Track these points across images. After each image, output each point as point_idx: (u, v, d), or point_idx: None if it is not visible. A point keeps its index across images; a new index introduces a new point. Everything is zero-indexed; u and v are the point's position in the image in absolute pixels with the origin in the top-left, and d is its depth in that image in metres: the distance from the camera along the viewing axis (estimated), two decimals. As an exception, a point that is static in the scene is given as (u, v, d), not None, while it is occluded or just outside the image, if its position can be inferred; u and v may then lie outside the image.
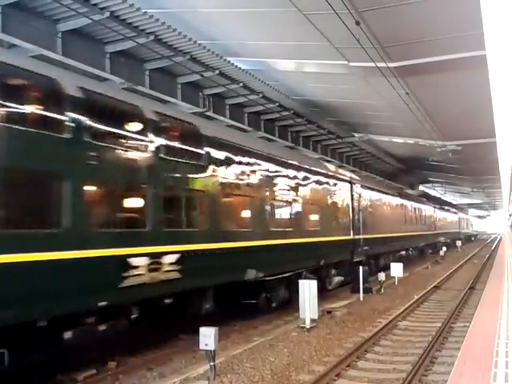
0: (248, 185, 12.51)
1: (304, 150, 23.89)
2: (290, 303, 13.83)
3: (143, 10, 11.34)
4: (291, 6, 11.25)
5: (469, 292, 17.81)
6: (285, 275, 13.51)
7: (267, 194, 13.36)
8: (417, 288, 19.48)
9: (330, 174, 18.43)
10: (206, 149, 10.97)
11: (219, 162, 11.30)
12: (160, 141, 9.58)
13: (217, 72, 14.74)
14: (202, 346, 8.28)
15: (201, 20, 13.38)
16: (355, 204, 20.28)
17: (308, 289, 12.20)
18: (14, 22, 10.24)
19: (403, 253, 29.76)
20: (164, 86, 14.58)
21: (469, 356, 7.79)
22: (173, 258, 9.39)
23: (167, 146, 9.74)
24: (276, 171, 13.96)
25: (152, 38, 12.20)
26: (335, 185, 18.58)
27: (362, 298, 16.85)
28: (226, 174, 11.57)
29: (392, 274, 20.37)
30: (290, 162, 15.03)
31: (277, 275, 13.09)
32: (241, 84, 16.17)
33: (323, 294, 15.79)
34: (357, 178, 22.40)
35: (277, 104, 18.86)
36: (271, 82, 17.21)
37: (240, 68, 15.29)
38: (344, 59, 15.49)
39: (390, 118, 23.29)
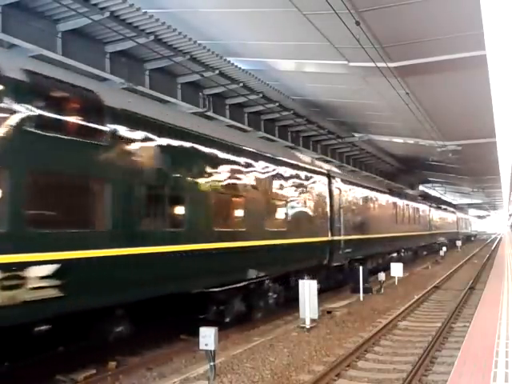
0: (179, 173, 9.97)
1: (304, 149, 23.88)
2: (250, 318, 12.44)
3: (143, 10, 11.33)
4: (291, 6, 11.25)
5: (469, 292, 17.81)
6: (237, 285, 11.45)
7: (210, 185, 10.81)
8: (417, 288, 19.48)
9: (301, 165, 15.60)
10: (111, 125, 8.35)
11: (133, 143, 8.75)
12: (30, 110, 7.04)
13: (217, 72, 14.74)
14: (202, 346, 8.28)
15: (201, 20, 13.38)
16: (335, 201, 17.70)
17: (308, 289, 12.21)
18: (14, 21, 10.24)
19: (394, 255, 27.44)
20: (164, 85, 14.58)
21: (469, 356, 7.79)
22: (45, 269, 6.94)
23: (41, 117, 7.22)
24: (224, 159, 11.36)
25: (152, 38, 12.19)
26: (308, 178, 15.87)
27: (362, 298, 16.85)
28: (143, 159, 8.97)
29: (392, 274, 20.37)
30: (244, 148, 12.37)
31: (228, 285, 11.02)
32: (241, 84, 16.17)
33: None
34: (337, 171, 19.95)
35: (277, 104, 18.86)
36: (271, 82, 17.21)
37: (240, 68, 15.28)
38: (344, 59, 15.49)
39: (389, 118, 23.28)
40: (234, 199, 11.92)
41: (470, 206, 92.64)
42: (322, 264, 16.40)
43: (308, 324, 12.04)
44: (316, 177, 16.58)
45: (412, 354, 9.96)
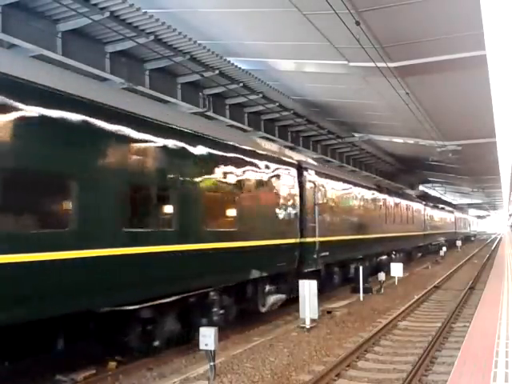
0: (82, 155, 7.54)
1: (304, 149, 23.90)
2: (191, 338, 9.97)
3: (143, 10, 11.33)
4: (291, 6, 11.26)
5: (469, 292, 17.82)
6: (165, 301, 8.95)
7: (127, 172, 8.31)
8: (417, 288, 19.48)
9: (260, 152, 12.79)
10: None
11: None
12: None
13: (217, 72, 14.73)
14: (202, 346, 8.29)
15: (201, 20, 13.38)
16: (307, 197, 15.01)
17: (308, 288, 12.21)
18: (14, 21, 10.23)
19: (384, 258, 24.66)
20: (164, 85, 14.57)
21: (469, 356, 7.79)
22: None
23: None
24: (152, 142, 8.92)
25: (152, 38, 12.18)
26: (269, 168, 13.02)
27: (362, 298, 16.86)
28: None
29: (392, 274, 20.37)
30: (185, 131, 9.89)
31: (151, 301, 8.63)
32: (241, 84, 16.17)
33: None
34: (313, 162, 17.40)
35: (277, 104, 18.86)
36: (271, 82, 17.21)
37: (240, 68, 15.28)
38: (344, 59, 15.49)
39: (389, 118, 23.29)
40: (157, 190, 9.15)
41: (470, 205, 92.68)
42: (289, 270, 13.76)
43: (308, 324, 12.04)
44: (281, 168, 13.68)
45: (412, 354, 9.96)
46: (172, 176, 9.40)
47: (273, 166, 13.30)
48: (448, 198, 66.64)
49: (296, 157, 15.66)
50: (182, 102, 15.18)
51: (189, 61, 13.71)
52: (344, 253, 18.22)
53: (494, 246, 58.06)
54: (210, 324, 9.88)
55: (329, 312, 14.21)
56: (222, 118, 17.17)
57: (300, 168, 14.88)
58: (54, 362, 8.52)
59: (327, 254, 16.00)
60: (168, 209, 9.34)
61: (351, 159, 31.52)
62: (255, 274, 11.95)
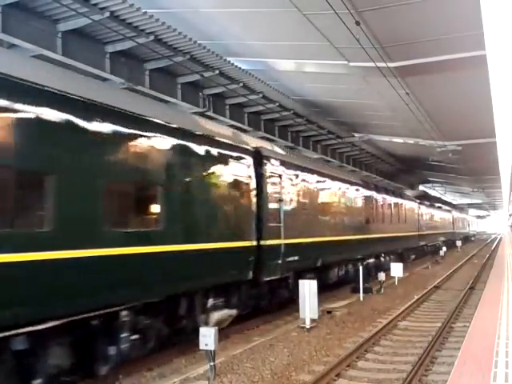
0: None
1: (304, 149, 23.91)
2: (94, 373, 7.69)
3: (143, 10, 11.34)
4: (291, 6, 11.26)
5: (469, 292, 17.81)
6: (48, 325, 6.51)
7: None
8: (417, 288, 19.48)
9: (195, 133, 9.91)
10: None
11: None
12: None
13: (217, 72, 14.75)
14: (202, 346, 8.28)
15: (201, 20, 13.39)
16: (269, 191, 12.54)
17: (308, 288, 12.21)
18: (14, 21, 10.24)
19: (370, 261, 21.92)
20: (164, 85, 14.58)
21: (469, 356, 7.79)
22: None
23: None
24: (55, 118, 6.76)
25: (152, 38, 12.20)
26: (210, 154, 10.18)
27: (361, 298, 16.85)
28: None
29: (392, 274, 20.37)
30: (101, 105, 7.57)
31: (26, 326, 6.24)
32: (241, 84, 16.18)
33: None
34: (279, 151, 14.51)
35: (277, 104, 18.88)
36: (271, 82, 17.23)
37: (240, 68, 15.29)
38: (344, 59, 15.51)
39: (389, 118, 23.31)
40: (21, 178, 6.43)
41: (470, 205, 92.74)
42: (241, 280, 11.35)
43: (308, 324, 12.04)
44: (228, 154, 10.90)
45: (412, 354, 9.96)
46: (51, 159, 6.71)
47: (223, 153, 10.63)
48: (448, 198, 66.65)
49: (255, 143, 12.83)
50: (181, 102, 15.19)
51: (189, 61, 13.72)
52: (320, 257, 15.52)
53: (494, 246, 58.05)
54: (121, 355, 7.94)
55: (329, 312, 14.20)
56: (222, 118, 17.19)
57: (259, 156, 12.26)
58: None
59: (297, 258, 13.66)
60: (54, 205, 6.65)
61: (351, 159, 31.53)
62: (190, 285, 9.52)
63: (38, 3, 10.47)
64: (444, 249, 38.68)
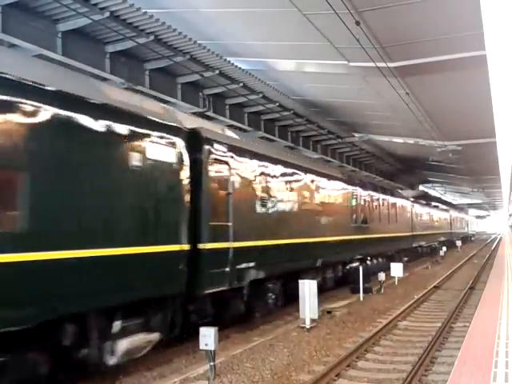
0: None
1: (304, 149, 23.92)
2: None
3: (143, 10, 11.35)
4: (291, 6, 11.27)
5: (469, 292, 17.81)
6: None
7: None
8: (417, 288, 19.47)
9: (91, 101, 7.32)
10: None
11: None
12: None
13: (217, 72, 14.75)
14: (202, 346, 8.27)
15: (201, 20, 13.40)
16: (212, 183, 10.15)
17: (308, 288, 12.20)
18: (14, 22, 10.25)
19: (355, 265, 19.25)
20: (164, 85, 14.59)
21: (469, 356, 7.79)
22: None
23: None
24: None
25: (152, 38, 12.21)
26: (118, 134, 7.72)
27: (361, 298, 16.84)
28: None
29: (392, 274, 20.36)
30: None
31: None
32: (241, 84, 16.19)
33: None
34: (228, 134, 11.75)
35: (277, 104, 18.88)
36: (271, 82, 17.23)
37: (240, 68, 15.30)
38: (344, 59, 15.51)
39: (389, 118, 23.31)
40: None
41: (470, 205, 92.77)
42: (166, 294, 8.81)
43: (308, 324, 12.03)
44: (146, 133, 8.30)
45: (412, 354, 9.95)
46: None
47: (120, 127, 7.76)
48: (448, 198, 66.64)
49: (193, 123, 10.15)
50: (181, 102, 15.20)
51: (189, 61, 13.73)
52: (287, 263, 13.37)
53: (493, 246, 58.03)
54: None
55: (329, 312, 14.19)
56: (222, 118, 17.20)
57: (196, 139, 9.72)
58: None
59: (254, 265, 11.39)
60: None
61: (351, 159, 31.54)
62: (78, 305, 6.99)
63: (38, 3, 10.49)
64: (444, 249, 38.66)
